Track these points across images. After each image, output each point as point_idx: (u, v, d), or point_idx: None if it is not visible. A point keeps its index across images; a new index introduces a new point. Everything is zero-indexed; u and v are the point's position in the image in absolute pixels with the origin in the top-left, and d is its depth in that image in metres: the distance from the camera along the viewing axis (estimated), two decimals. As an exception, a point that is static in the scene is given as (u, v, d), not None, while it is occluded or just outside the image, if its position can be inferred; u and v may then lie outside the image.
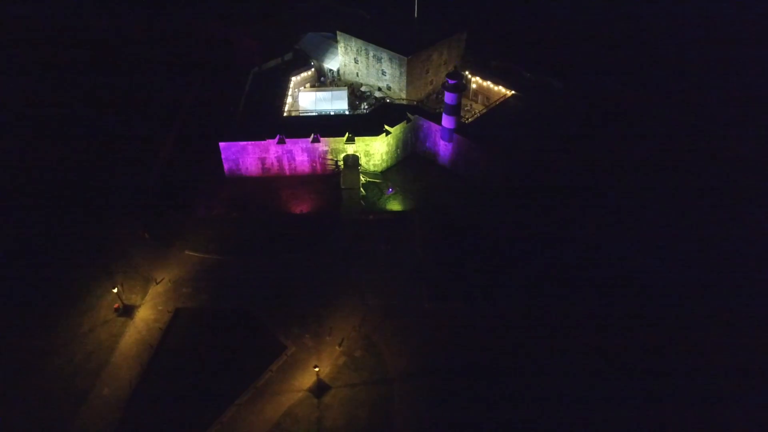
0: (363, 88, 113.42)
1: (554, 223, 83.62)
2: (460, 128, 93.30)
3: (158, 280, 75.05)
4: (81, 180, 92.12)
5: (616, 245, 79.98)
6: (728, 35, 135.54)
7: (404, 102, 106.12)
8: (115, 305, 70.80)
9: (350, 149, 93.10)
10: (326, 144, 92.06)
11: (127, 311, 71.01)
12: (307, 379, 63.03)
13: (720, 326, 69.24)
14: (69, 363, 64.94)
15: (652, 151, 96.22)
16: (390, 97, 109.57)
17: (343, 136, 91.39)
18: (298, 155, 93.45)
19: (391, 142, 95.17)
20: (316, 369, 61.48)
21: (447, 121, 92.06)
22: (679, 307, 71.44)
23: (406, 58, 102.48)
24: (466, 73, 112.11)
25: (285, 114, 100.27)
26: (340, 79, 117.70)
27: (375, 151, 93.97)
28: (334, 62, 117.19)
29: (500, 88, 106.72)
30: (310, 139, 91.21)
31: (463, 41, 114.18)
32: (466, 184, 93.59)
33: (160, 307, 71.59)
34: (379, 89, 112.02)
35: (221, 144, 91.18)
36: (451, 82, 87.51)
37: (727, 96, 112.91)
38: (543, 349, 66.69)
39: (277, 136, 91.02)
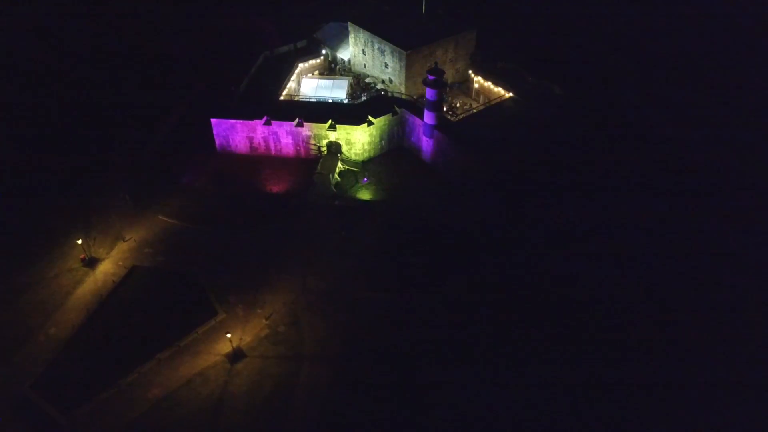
0: (367, 80, 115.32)
1: (515, 229, 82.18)
2: (441, 125, 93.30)
3: (126, 239, 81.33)
4: (84, 137, 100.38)
5: (570, 258, 77.68)
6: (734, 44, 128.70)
7: (403, 96, 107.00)
8: (81, 256, 77.61)
9: (332, 136, 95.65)
10: (309, 129, 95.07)
11: (92, 263, 77.67)
12: (227, 344, 66.57)
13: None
14: (30, 301, 72.16)
15: (632, 166, 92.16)
16: (391, 90, 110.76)
17: (330, 122, 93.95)
18: (283, 137, 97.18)
19: (374, 133, 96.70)
20: (228, 336, 64.89)
21: (428, 117, 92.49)
22: (621, 320, 69.02)
23: (405, 53, 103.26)
24: (470, 72, 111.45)
25: (282, 98, 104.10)
26: (350, 69, 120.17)
27: (356, 140, 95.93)
28: (347, 52, 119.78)
29: (500, 89, 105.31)
30: (295, 123, 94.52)
31: (472, 40, 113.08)
32: (442, 180, 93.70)
33: (120, 263, 77.71)
34: (383, 82, 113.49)
35: (213, 120, 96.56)
36: (430, 78, 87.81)
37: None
38: (460, 348, 66.64)
39: (264, 117, 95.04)
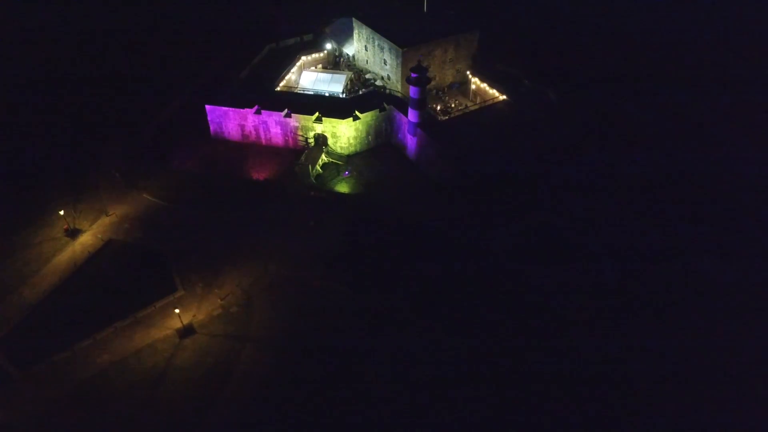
0: (367, 76, 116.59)
1: (486, 230, 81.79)
2: (425, 123, 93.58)
3: (109, 213, 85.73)
4: (87, 116, 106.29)
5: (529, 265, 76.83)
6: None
7: (399, 94, 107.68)
8: (65, 226, 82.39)
9: (318, 128, 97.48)
10: (297, 120, 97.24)
11: (74, 233, 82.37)
12: (178, 321, 69.42)
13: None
14: (11, 265, 77.34)
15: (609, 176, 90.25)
16: (388, 87, 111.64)
17: (317, 115, 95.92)
18: (272, 127, 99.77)
19: (360, 127, 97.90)
20: (177, 311, 67.72)
21: (411, 115, 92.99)
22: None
23: (401, 50, 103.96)
24: (468, 73, 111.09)
25: (278, 89, 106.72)
26: (354, 65, 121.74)
27: (341, 133, 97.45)
28: (353, 48, 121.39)
29: (494, 92, 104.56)
30: (283, 113, 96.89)
31: (474, 41, 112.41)
32: (423, 178, 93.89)
33: (99, 236, 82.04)
34: (382, 78, 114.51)
35: (207, 106, 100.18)
36: (413, 75, 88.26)
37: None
38: (405, 344, 67.20)
39: (255, 107, 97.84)
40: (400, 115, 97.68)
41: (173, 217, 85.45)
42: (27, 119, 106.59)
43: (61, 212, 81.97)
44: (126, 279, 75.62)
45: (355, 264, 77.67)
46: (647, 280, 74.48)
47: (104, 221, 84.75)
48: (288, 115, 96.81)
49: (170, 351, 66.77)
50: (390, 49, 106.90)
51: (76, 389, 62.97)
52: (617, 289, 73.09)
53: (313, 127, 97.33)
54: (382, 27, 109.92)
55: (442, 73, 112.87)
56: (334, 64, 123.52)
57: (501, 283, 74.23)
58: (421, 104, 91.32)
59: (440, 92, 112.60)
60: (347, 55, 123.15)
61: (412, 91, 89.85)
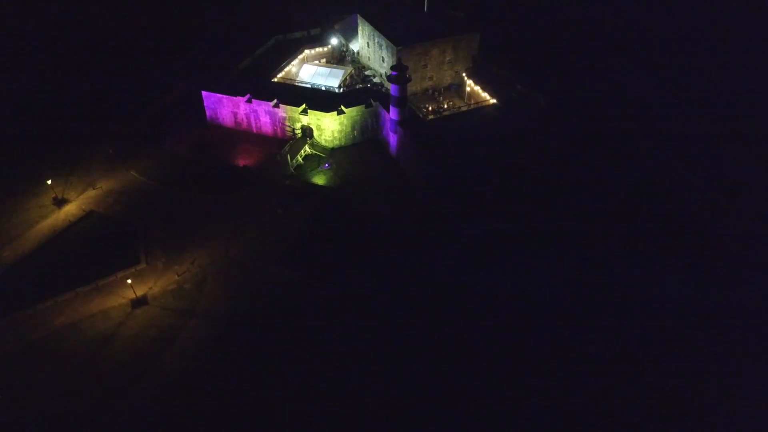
0: (367, 72, 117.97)
1: (444, 233, 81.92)
2: (405, 121, 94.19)
3: (96, 187, 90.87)
4: (93, 96, 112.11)
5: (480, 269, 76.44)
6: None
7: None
8: (53, 195, 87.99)
9: (304, 120, 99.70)
10: (284, 111, 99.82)
11: (60, 203, 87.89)
12: (136, 291, 73.18)
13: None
14: (0, 228, 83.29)
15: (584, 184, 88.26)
16: (385, 85, 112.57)
17: (304, 107, 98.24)
18: (262, 116, 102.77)
19: (345, 122, 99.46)
20: (129, 282, 71.42)
21: (392, 113, 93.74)
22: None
23: (396, 48, 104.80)
24: (463, 75, 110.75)
25: (275, 79, 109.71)
26: (358, 61, 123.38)
27: (326, 126, 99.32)
28: (358, 44, 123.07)
29: (486, 94, 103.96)
30: (272, 103, 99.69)
31: (475, 43, 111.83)
32: (400, 175, 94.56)
33: (83, 207, 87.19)
34: (380, 75, 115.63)
35: (203, 92, 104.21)
36: (393, 73, 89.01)
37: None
38: (341, 336, 68.66)
39: (247, 95, 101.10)
40: (384, 112, 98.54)
41: (154, 195, 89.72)
42: (36, 96, 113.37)
43: (49, 182, 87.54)
44: (96, 248, 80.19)
45: (312, 254, 79.27)
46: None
47: (90, 194, 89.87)
48: (276, 105, 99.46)
49: (121, 319, 70.53)
50: (387, 46, 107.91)
51: (28, 347, 67.37)
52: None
53: (299, 118, 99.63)
54: (383, 25, 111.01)
55: (440, 74, 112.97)
56: (339, 59, 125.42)
57: (449, 286, 74.22)
58: (401, 102, 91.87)
59: (436, 92, 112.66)
60: (352, 51, 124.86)
61: (393, 89, 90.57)
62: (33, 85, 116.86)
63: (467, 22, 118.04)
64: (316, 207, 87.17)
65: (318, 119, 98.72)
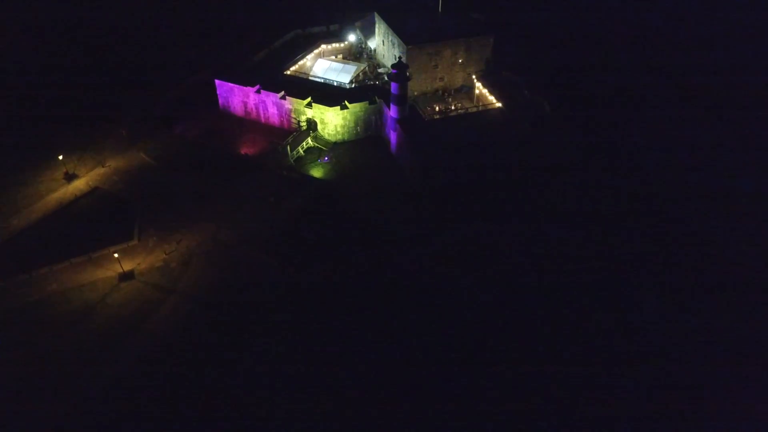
0: (380, 70, 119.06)
1: (425, 235, 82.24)
2: (405, 120, 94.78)
3: (105, 165, 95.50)
4: (114, 80, 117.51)
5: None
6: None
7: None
8: (64, 171, 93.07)
9: (309, 113, 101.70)
10: (290, 103, 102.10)
11: (71, 178, 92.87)
12: (125, 265, 76.76)
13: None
14: (11, 197, 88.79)
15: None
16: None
17: (309, 100, 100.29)
18: (270, 107, 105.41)
19: (348, 117, 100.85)
20: (116, 256, 74.95)
21: (392, 110, 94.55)
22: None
23: (406, 47, 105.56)
24: (473, 77, 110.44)
25: (288, 72, 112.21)
26: (375, 58, 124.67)
27: (329, 120, 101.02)
28: (375, 41, 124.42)
29: (492, 98, 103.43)
30: (279, 95, 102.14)
31: (489, 46, 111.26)
32: (398, 173, 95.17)
33: (90, 183, 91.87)
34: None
35: (216, 81, 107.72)
36: (393, 71, 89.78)
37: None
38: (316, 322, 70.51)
39: (257, 86, 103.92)
40: (386, 110, 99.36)
41: (157, 176, 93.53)
42: (59, 78, 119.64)
43: (60, 157, 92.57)
44: (96, 223, 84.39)
45: (297, 243, 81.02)
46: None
47: (99, 171, 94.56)
48: (283, 97, 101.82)
49: (107, 290, 74.25)
50: (398, 45, 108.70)
51: (21, 309, 71.76)
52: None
53: (304, 111, 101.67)
54: (397, 23, 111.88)
55: (451, 75, 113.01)
56: (356, 55, 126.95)
57: (424, 283, 74.72)
58: (401, 100, 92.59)
59: (447, 93, 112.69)
60: (370, 48, 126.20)
61: (393, 87, 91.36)
62: (60, 69, 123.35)
63: (486, 26, 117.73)
64: (308, 198, 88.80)
65: (322, 113, 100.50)
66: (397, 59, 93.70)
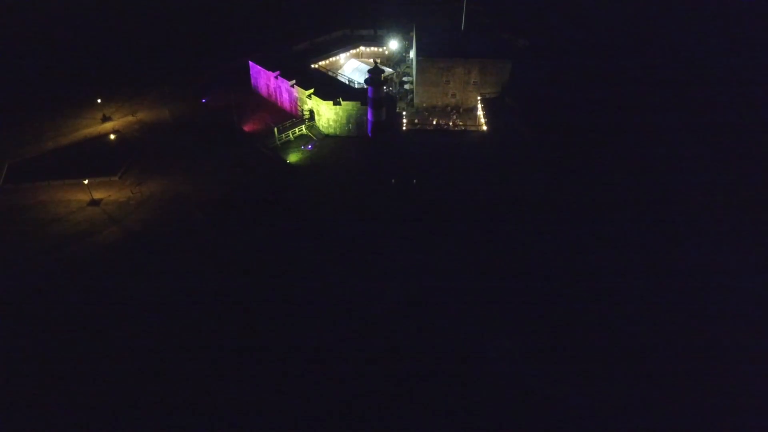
0: (405, 78, 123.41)
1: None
2: (380, 125, 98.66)
3: (134, 115, 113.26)
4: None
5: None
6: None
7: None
8: (102, 114, 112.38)
9: (309, 104, 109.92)
10: (297, 92, 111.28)
11: (105, 120, 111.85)
12: (99, 194, 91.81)
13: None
14: (52, 127, 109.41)
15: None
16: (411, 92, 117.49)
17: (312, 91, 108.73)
18: (283, 92, 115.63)
19: (340, 113, 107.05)
20: (86, 182, 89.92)
21: (369, 114, 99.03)
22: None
23: (419, 58, 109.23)
24: (478, 98, 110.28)
25: (315, 66, 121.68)
26: (409, 67, 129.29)
27: (323, 113, 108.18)
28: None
29: (483, 120, 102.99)
30: (290, 83, 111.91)
31: (506, 70, 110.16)
32: (370, 172, 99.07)
33: (116, 127, 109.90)
34: (412, 83, 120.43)
35: (250, 62, 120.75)
36: (368, 76, 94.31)
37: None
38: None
39: (277, 72, 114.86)
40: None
41: (166, 131, 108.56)
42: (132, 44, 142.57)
43: (99, 100, 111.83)
44: (100, 158, 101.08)
45: (239, 211, 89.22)
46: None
47: (128, 119, 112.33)
48: (293, 86, 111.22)
49: (75, 209, 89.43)
50: (415, 56, 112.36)
51: (9, 208, 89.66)
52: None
53: (306, 101, 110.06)
54: (423, 36, 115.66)
55: (464, 94, 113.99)
56: (395, 63, 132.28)
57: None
58: (376, 104, 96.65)
59: (454, 111, 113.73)
60: (410, 58, 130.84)
61: (369, 91, 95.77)
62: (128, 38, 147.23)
63: (526, 51, 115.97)
64: (270, 177, 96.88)
65: (317, 105, 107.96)
66: (374, 64, 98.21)
